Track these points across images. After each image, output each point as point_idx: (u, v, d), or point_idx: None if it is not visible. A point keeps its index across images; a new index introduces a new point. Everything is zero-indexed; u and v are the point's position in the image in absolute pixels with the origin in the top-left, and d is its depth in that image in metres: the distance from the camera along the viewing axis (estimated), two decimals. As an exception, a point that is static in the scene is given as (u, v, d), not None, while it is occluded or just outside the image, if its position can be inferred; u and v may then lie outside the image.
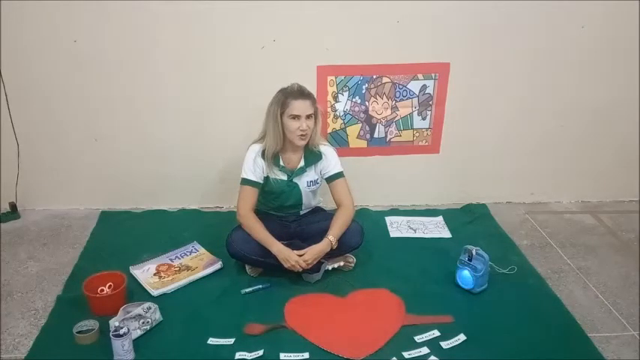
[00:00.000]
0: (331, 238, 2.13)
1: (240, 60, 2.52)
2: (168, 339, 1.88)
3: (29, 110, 2.57)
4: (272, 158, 2.18)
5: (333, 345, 1.86)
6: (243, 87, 2.56)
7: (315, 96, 2.27)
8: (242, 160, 2.20)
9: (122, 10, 2.38)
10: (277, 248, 2.11)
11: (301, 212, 2.36)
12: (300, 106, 2.08)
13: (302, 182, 2.25)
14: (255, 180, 2.18)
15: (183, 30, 2.45)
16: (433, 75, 2.64)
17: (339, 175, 2.26)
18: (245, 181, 2.19)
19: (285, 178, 2.22)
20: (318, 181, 2.29)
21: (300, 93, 2.11)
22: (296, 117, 2.09)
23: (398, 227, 2.69)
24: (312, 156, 2.23)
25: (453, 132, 2.76)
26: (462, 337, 1.90)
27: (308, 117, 2.10)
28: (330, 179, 2.26)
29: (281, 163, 2.21)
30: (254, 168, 2.17)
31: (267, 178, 2.21)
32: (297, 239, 2.28)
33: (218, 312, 2.02)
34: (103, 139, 2.67)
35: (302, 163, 2.23)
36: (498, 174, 2.91)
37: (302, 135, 2.12)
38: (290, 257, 2.09)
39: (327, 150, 2.25)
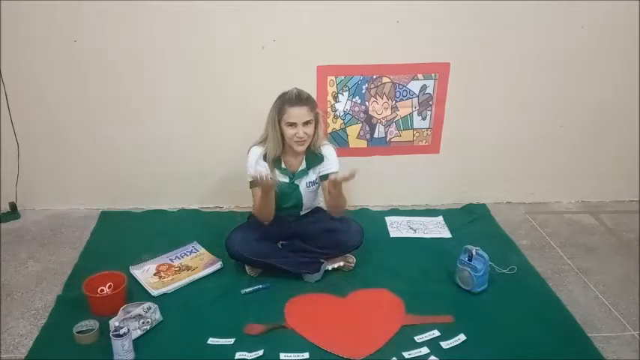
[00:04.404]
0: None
1: (240, 60, 2.52)
2: (168, 339, 1.88)
3: (29, 110, 2.57)
4: (273, 161, 2.17)
5: (333, 345, 1.86)
6: (243, 87, 2.56)
7: (315, 96, 2.27)
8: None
9: (122, 10, 2.38)
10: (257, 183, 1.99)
11: (301, 212, 2.35)
12: (296, 114, 2.06)
13: (302, 183, 2.25)
14: None
15: (183, 30, 2.44)
16: (433, 75, 2.64)
17: (335, 173, 2.24)
18: (252, 184, 2.16)
19: (287, 180, 2.22)
20: (317, 181, 2.28)
21: (298, 99, 2.07)
22: (293, 124, 2.08)
23: (398, 227, 2.69)
24: (314, 158, 2.22)
25: (453, 132, 2.76)
26: (462, 337, 1.90)
27: (305, 124, 2.08)
28: (323, 177, 2.22)
29: (282, 165, 2.21)
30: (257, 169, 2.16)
31: None
32: (297, 239, 2.29)
33: (218, 312, 2.02)
34: (102, 139, 2.66)
35: (304, 165, 2.22)
36: (498, 174, 2.91)
37: (299, 141, 2.10)
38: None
39: (328, 151, 2.24)
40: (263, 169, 2.04)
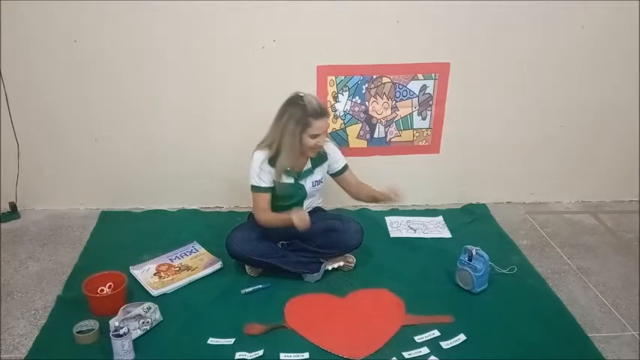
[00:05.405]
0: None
1: (240, 60, 2.52)
2: (168, 339, 1.88)
3: (29, 110, 2.57)
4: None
5: (333, 345, 1.86)
6: (243, 87, 2.56)
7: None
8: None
9: (122, 10, 2.38)
10: (292, 216, 2.06)
11: (301, 212, 2.35)
12: (322, 126, 2.08)
13: (308, 183, 2.25)
14: (266, 186, 2.16)
15: (183, 30, 2.44)
16: (433, 75, 2.64)
17: (347, 167, 2.30)
18: (257, 189, 2.16)
19: (292, 181, 2.21)
20: (322, 180, 2.29)
21: (322, 111, 2.07)
22: (317, 135, 2.09)
23: (398, 227, 2.69)
24: (318, 157, 2.23)
25: (453, 132, 2.76)
26: (462, 337, 1.90)
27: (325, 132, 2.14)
28: (338, 173, 2.29)
29: (287, 167, 2.20)
30: (262, 175, 2.14)
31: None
32: (297, 239, 2.28)
33: (218, 312, 2.02)
34: (103, 139, 2.66)
35: (309, 165, 2.23)
36: (498, 174, 2.91)
37: (318, 148, 2.15)
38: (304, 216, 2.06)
39: (330, 147, 2.26)
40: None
